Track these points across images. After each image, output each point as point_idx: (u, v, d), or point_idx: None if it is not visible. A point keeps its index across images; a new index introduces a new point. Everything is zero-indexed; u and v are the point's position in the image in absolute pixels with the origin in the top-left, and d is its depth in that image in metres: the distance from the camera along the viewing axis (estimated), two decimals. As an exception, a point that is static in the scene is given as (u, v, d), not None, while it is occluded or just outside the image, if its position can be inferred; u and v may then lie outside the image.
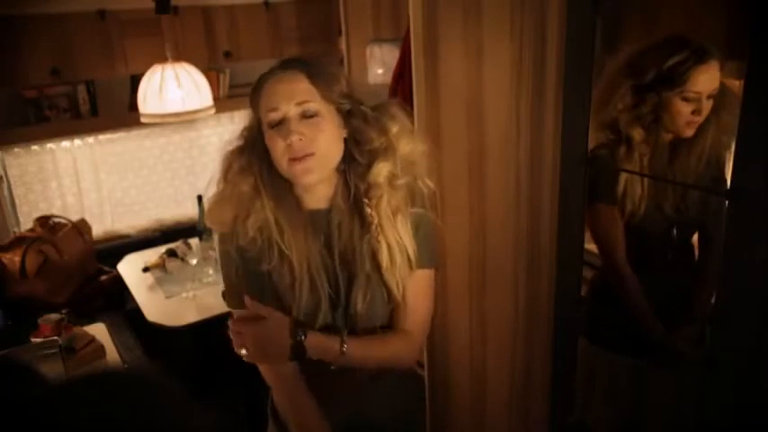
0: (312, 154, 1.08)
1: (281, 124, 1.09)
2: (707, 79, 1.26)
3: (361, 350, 1.16)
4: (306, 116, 1.09)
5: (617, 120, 1.37)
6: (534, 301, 1.58)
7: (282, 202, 1.13)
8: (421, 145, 1.18)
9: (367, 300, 1.16)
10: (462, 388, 1.87)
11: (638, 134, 1.35)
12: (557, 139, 1.40)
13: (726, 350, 1.13)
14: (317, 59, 1.19)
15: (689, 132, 1.32)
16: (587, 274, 1.52)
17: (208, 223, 1.22)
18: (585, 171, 1.38)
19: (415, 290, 1.20)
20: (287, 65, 1.14)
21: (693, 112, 1.28)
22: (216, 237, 1.24)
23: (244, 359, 1.16)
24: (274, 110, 1.09)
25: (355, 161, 1.15)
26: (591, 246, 1.51)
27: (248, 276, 1.18)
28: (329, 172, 1.14)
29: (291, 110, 1.09)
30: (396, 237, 1.15)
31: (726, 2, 1.33)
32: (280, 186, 1.14)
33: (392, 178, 1.14)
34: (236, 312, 1.20)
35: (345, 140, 1.14)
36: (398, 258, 1.15)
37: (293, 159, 1.08)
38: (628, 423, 1.58)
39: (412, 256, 1.17)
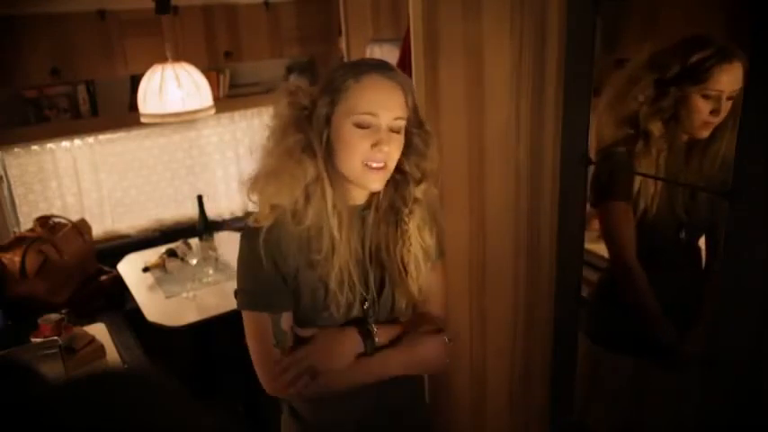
0: (386, 166, 1.12)
1: (371, 129, 1.10)
2: (729, 79, 1.24)
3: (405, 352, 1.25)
4: (393, 130, 1.11)
5: (636, 114, 1.37)
6: (534, 301, 1.58)
7: (339, 193, 1.14)
8: (438, 163, 1.24)
9: (403, 297, 1.24)
10: (462, 388, 1.87)
11: (656, 129, 1.35)
12: (557, 139, 1.40)
13: (726, 350, 1.14)
14: (399, 70, 1.17)
15: (704, 133, 1.31)
16: (587, 274, 1.52)
17: (264, 197, 1.15)
18: (585, 171, 1.38)
19: (433, 281, 1.29)
20: (384, 71, 1.12)
21: (712, 112, 1.27)
22: (256, 228, 1.15)
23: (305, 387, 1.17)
24: (372, 115, 1.09)
25: (407, 174, 1.19)
26: (591, 246, 1.51)
27: (284, 271, 1.17)
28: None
29: (387, 121, 1.10)
30: (423, 246, 1.23)
31: (726, 2, 1.33)
32: (338, 176, 1.15)
33: (426, 192, 1.21)
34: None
35: None
36: (422, 264, 1.23)
37: (369, 166, 1.10)
38: (628, 423, 1.58)
39: (432, 256, 1.27)
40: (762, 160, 1.00)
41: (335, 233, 1.13)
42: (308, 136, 1.12)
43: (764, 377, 1.11)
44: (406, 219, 1.19)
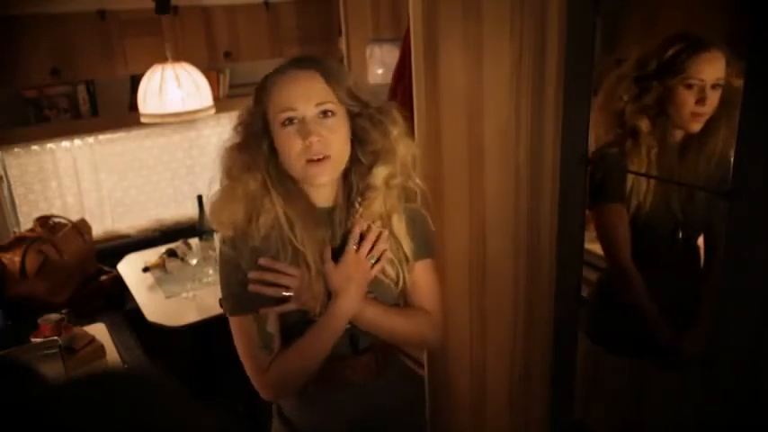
0: (329, 156, 1.10)
1: (297, 124, 1.09)
2: (709, 68, 1.27)
3: (385, 310, 1.22)
4: (322, 117, 1.10)
5: (623, 112, 1.38)
6: (534, 301, 1.58)
7: (291, 199, 1.14)
8: (415, 148, 1.21)
9: (373, 293, 1.21)
10: (462, 388, 1.87)
11: (644, 125, 1.36)
12: (557, 139, 1.40)
13: (726, 350, 1.14)
14: (327, 58, 1.17)
15: (695, 126, 1.32)
16: (588, 274, 1.52)
17: (213, 224, 1.18)
18: (585, 171, 1.38)
19: (423, 278, 1.28)
20: (300, 63, 1.13)
21: (698, 102, 1.28)
22: (219, 239, 1.19)
23: (280, 299, 1.15)
24: (292, 109, 1.09)
25: (358, 161, 1.16)
26: (592, 246, 1.51)
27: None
28: (339, 172, 1.16)
29: (310, 110, 1.09)
30: (395, 240, 1.20)
31: (726, 2, 1.33)
32: (287, 183, 1.14)
33: (389, 179, 1.16)
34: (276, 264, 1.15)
35: (351, 140, 1.16)
36: (393, 258, 1.21)
37: (310, 161, 1.09)
38: (628, 423, 1.58)
39: (407, 251, 1.23)
40: (762, 160, 1.00)
41: (295, 239, 1.13)
42: (246, 152, 1.13)
43: (764, 377, 1.11)
44: (359, 207, 1.16)
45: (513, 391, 1.72)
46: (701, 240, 1.43)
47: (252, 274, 1.14)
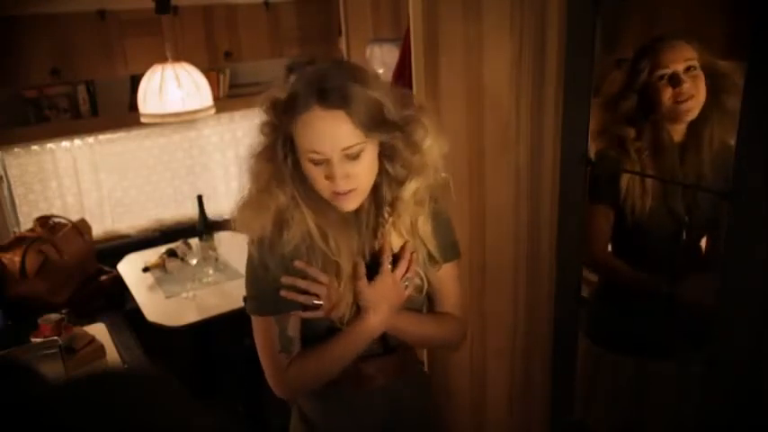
0: (355, 189, 1.08)
1: (323, 164, 1.06)
2: (671, 54, 1.31)
3: (417, 320, 1.23)
4: (350, 158, 1.06)
5: (606, 122, 1.41)
6: (534, 302, 1.58)
7: (320, 210, 1.12)
8: (446, 145, 1.17)
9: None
10: (462, 388, 1.87)
11: (630, 132, 1.38)
12: (557, 139, 1.40)
13: (726, 350, 1.14)
14: (355, 89, 1.05)
15: (687, 114, 1.33)
16: (587, 274, 1.53)
17: (239, 229, 1.16)
18: (585, 171, 1.38)
19: (448, 282, 1.27)
20: (326, 101, 1.04)
21: (676, 88, 1.30)
22: (248, 241, 1.17)
23: (311, 308, 1.14)
24: (317, 153, 1.05)
25: (389, 175, 1.14)
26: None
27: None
28: (366, 195, 1.13)
29: (336, 154, 1.05)
30: (414, 238, 1.19)
31: (726, 2, 1.33)
32: (314, 196, 1.12)
33: (418, 191, 1.15)
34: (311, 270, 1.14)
35: (378, 155, 1.12)
36: (418, 257, 1.20)
37: (336, 192, 1.08)
38: (628, 423, 1.58)
39: (434, 252, 1.22)
40: (762, 160, 1.00)
41: (329, 251, 1.12)
42: (273, 163, 1.10)
43: (764, 377, 1.11)
44: (387, 216, 1.15)
45: (513, 391, 1.72)
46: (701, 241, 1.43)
47: (285, 279, 1.13)
